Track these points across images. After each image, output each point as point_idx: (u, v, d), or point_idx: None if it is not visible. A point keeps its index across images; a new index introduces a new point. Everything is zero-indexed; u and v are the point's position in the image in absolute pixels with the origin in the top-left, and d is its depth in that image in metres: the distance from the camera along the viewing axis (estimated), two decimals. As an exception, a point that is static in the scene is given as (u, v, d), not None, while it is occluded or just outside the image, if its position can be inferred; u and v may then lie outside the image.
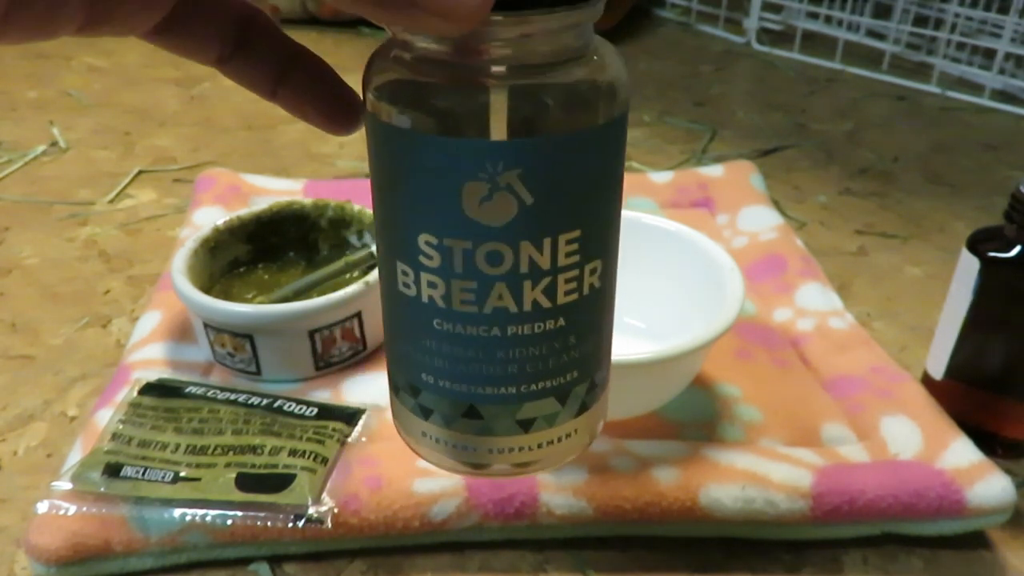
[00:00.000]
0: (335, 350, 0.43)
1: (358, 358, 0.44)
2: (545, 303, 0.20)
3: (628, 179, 0.64)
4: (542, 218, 0.19)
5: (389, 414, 0.40)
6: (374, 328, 0.44)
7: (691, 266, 0.43)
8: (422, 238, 0.20)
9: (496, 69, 0.19)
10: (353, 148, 0.74)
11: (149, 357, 0.43)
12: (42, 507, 0.34)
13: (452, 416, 0.22)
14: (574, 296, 0.21)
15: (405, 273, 0.21)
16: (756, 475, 0.35)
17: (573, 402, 0.22)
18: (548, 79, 0.19)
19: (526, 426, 0.22)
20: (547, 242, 0.20)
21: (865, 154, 0.75)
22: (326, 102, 0.23)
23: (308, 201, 0.49)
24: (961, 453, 0.36)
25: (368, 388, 0.42)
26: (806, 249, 0.54)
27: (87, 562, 0.33)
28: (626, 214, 0.45)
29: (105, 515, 0.34)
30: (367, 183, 0.63)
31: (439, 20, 0.17)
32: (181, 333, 0.45)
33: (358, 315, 0.43)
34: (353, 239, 0.49)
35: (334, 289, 0.42)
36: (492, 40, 0.18)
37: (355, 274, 0.45)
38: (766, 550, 0.35)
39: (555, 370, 0.21)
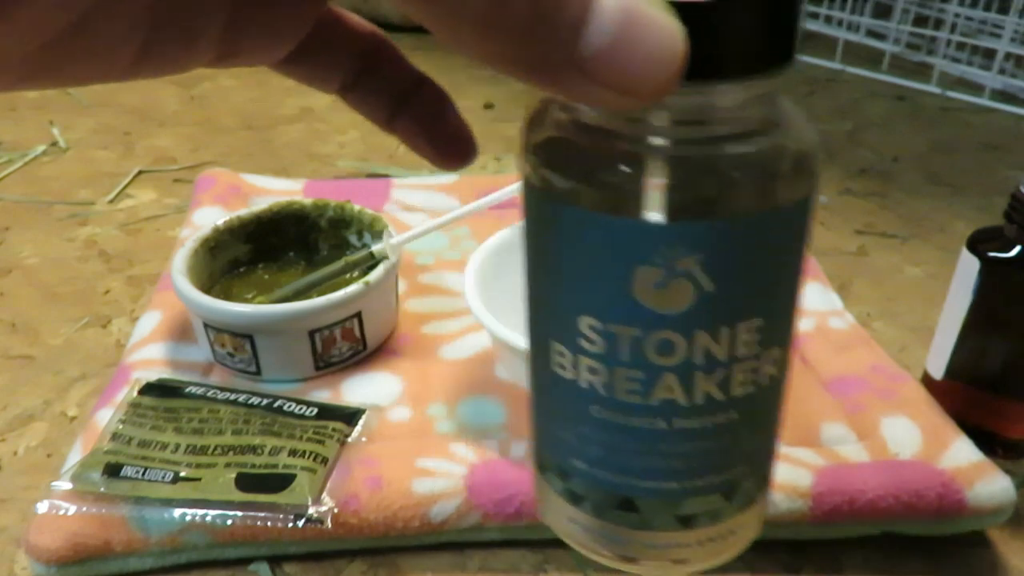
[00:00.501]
0: (335, 350, 0.43)
1: (358, 358, 0.44)
2: (718, 395, 0.19)
3: None
4: (722, 306, 0.17)
5: (389, 414, 0.41)
6: (374, 328, 0.44)
7: None
8: (584, 321, 0.18)
9: (676, 142, 0.17)
10: (353, 148, 0.75)
11: (149, 357, 0.43)
12: (42, 507, 0.34)
13: (604, 506, 0.20)
14: (750, 388, 0.19)
15: (561, 354, 0.19)
16: None
17: (740, 497, 0.20)
18: (733, 153, 0.17)
19: (687, 522, 0.20)
20: (725, 331, 0.18)
21: (865, 154, 0.75)
22: (440, 136, 0.22)
23: (308, 201, 0.49)
24: (961, 453, 0.36)
25: (368, 388, 0.42)
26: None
27: (87, 562, 0.33)
28: None
29: (105, 515, 0.34)
30: (367, 183, 0.64)
31: (615, 95, 0.14)
32: (181, 333, 0.45)
33: (358, 315, 0.42)
34: (353, 239, 0.49)
35: (334, 289, 0.42)
36: (673, 111, 0.16)
37: (355, 274, 0.45)
38: (766, 550, 0.35)
39: (723, 465, 0.20)
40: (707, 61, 0.15)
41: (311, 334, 0.41)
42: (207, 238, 0.45)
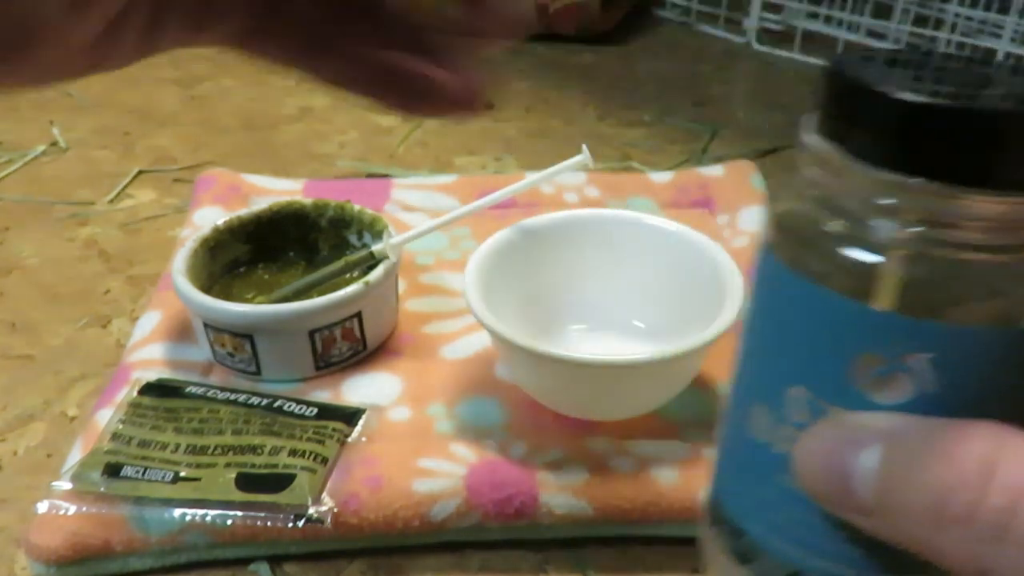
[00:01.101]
0: (335, 350, 0.43)
1: (358, 358, 0.44)
2: None
3: (627, 179, 0.64)
4: (939, 408, 0.17)
5: (389, 414, 0.41)
6: (374, 328, 0.44)
7: (692, 267, 0.43)
8: (794, 390, 0.18)
9: (929, 240, 0.16)
10: (353, 148, 0.75)
11: (149, 357, 0.43)
12: (42, 507, 0.34)
13: (772, 574, 0.20)
14: None
15: (761, 417, 0.19)
16: None
17: None
18: (987, 261, 0.16)
19: None
20: None
21: (865, 154, 0.75)
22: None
23: (308, 201, 0.49)
24: None
25: (368, 388, 0.42)
26: None
27: (87, 562, 0.33)
28: (626, 214, 0.45)
29: (105, 515, 0.34)
30: (367, 183, 0.64)
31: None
32: (181, 333, 0.45)
33: (358, 315, 0.42)
34: (353, 239, 0.49)
35: (334, 289, 0.42)
36: (930, 210, 0.16)
37: (355, 274, 0.45)
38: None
39: (900, 566, 0.18)
40: (977, 167, 0.15)
41: (311, 334, 0.41)
42: (207, 238, 0.45)
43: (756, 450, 0.20)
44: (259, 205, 0.49)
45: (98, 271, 0.55)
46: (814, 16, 1.04)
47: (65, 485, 0.35)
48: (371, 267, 0.44)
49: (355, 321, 0.43)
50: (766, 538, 0.20)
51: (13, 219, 0.61)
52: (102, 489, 0.34)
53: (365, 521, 0.34)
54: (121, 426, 0.37)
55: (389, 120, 0.81)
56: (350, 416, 0.39)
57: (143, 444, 0.36)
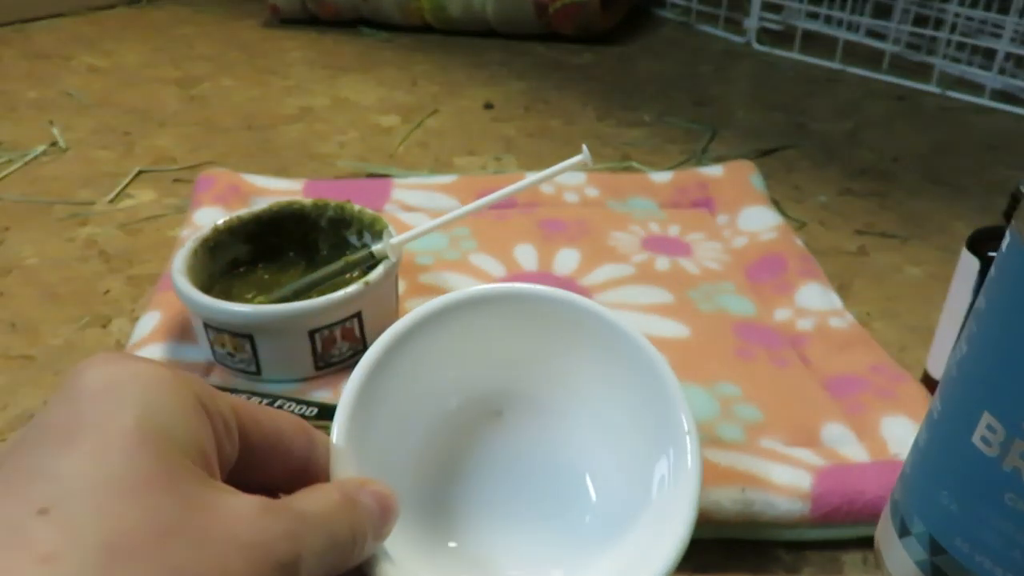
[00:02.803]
0: (335, 350, 0.43)
1: (358, 358, 0.44)
2: None
3: (627, 179, 0.64)
4: None
5: None
6: (374, 328, 0.44)
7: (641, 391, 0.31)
8: None
9: None
10: (353, 148, 0.75)
11: (149, 357, 0.43)
12: None
13: None
14: None
15: (991, 429, 0.18)
16: (756, 477, 0.35)
17: None
18: None
19: None
20: None
21: (865, 154, 0.75)
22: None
23: (308, 201, 0.49)
24: None
25: None
26: (806, 249, 0.54)
27: None
28: (572, 300, 0.32)
29: None
30: (367, 183, 0.64)
31: None
32: (181, 333, 0.45)
33: (358, 315, 0.42)
34: (353, 239, 0.49)
35: (334, 289, 0.42)
36: None
37: (355, 274, 0.45)
38: (766, 550, 0.35)
39: None
40: None
41: (311, 334, 0.41)
42: (207, 238, 0.45)
43: (978, 464, 0.18)
44: (259, 205, 0.49)
45: (98, 271, 0.55)
46: (814, 16, 1.04)
47: None
48: (371, 267, 0.44)
49: (355, 321, 0.43)
50: (972, 557, 0.19)
51: (13, 219, 0.61)
52: None
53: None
54: None
55: (389, 120, 0.81)
56: None
57: None
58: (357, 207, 0.48)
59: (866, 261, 0.57)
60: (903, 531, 0.21)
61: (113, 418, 0.20)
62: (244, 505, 0.20)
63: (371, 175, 0.69)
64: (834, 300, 0.49)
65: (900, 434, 0.38)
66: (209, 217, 0.55)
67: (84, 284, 0.53)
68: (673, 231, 0.58)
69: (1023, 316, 0.17)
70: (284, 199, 0.49)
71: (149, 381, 0.21)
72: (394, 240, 0.44)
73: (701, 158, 0.73)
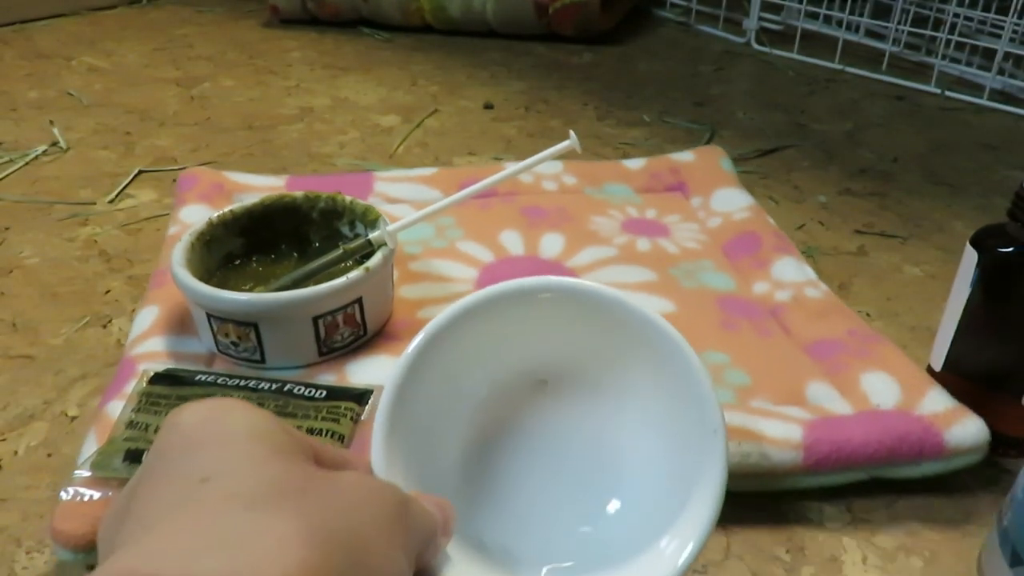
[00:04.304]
0: (337, 335, 0.43)
1: (359, 343, 0.45)
2: None
3: (603, 167, 0.66)
4: None
5: None
6: (373, 313, 0.45)
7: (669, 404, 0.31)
8: None
9: None
10: (353, 148, 0.75)
11: (152, 350, 0.44)
12: (65, 495, 0.34)
13: None
14: None
15: None
16: (751, 432, 0.37)
17: None
18: None
19: None
20: None
21: (865, 154, 0.75)
22: None
23: (299, 193, 0.49)
24: (937, 400, 0.39)
25: (371, 370, 0.43)
26: (777, 227, 0.57)
27: None
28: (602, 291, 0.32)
29: None
30: (350, 177, 0.64)
31: None
32: (180, 327, 0.45)
33: (359, 300, 0.43)
34: (345, 229, 0.49)
35: (330, 278, 0.42)
36: None
37: (350, 263, 0.45)
38: (766, 550, 0.35)
39: None
40: None
41: (315, 320, 0.42)
42: (202, 232, 0.46)
43: None
44: (251, 199, 0.49)
45: (98, 271, 0.55)
46: (813, 16, 1.04)
47: (85, 473, 0.35)
48: (367, 255, 0.44)
49: (356, 307, 0.43)
50: None
51: (13, 219, 0.61)
52: (125, 475, 0.34)
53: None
54: (135, 415, 0.37)
55: (389, 120, 0.81)
56: (359, 396, 0.39)
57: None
58: (348, 198, 0.49)
59: (866, 261, 0.57)
60: (1015, 561, 0.21)
61: (224, 430, 0.22)
62: (353, 471, 0.24)
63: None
64: (808, 272, 0.51)
65: (879, 387, 0.40)
66: (195, 214, 0.55)
67: (84, 284, 0.53)
68: (650, 214, 0.60)
69: None
70: (275, 193, 0.49)
71: (238, 406, 0.23)
72: (391, 227, 0.45)
73: (701, 158, 0.73)
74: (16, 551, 0.35)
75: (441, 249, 0.54)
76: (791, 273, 0.51)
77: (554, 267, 0.52)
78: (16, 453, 0.40)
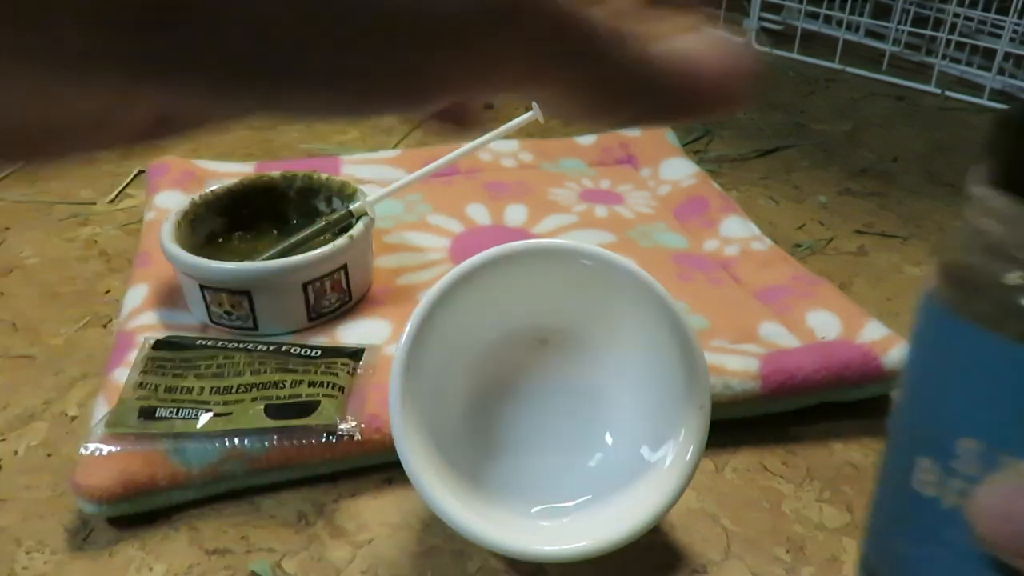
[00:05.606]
0: (325, 300, 0.46)
1: (344, 308, 0.47)
2: None
3: (556, 144, 0.69)
4: None
5: (386, 350, 0.43)
6: (357, 279, 0.48)
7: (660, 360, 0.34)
8: (964, 443, 0.18)
9: None
10: (353, 147, 0.75)
11: (148, 323, 0.45)
12: (85, 450, 0.35)
13: None
14: None
15: (927, 471, 0.19)
16: (713, 366, 0.40)
17: None
18: None
19: None
20: None
21: (865, 154, 0.75)
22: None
23: (277, 173, 0.52)
24: (875, 330, 0.44)
25: (358, 332, 0.46)
26: (723, 191, 0.61)
27: (135, 498, 0.35)
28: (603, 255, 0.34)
29: (148, 452, 0.35)
30: (317, 161, 0.65)
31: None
32: (171, 301, 0.47)
33: (344, 267, 0.46)
34: (322, 206, 0.52)
35: (310, 250, 0.44)
36: None
37: (328, 236, 0.47)
38: (766, 550, 0.35)
39: None
40: None
41: (304, 286, 0.44)
42: (187, 211, 0.48)
43: (922, 505, 0.19)
44: (229, 181, 0.51)
45: (98, 271, 0.55)
46: (813, 16, 1.04)
47: (101, 431, 0.36)
48: (347, 226, 0.47)
49: (342, 273, 0.46)
50: None
51: (13, 219, 0.61)
52: (140, 430, 0.36)
53: (388, 436, 0.35)
54: (143, 376, 0.39)
55: (389, 120, 0.81)
56: (353, 354, 0.41)
57: (169, 390, 0.38)
58: (324, 175, 0.52)
59: (866, 261, 0.57)
60: (869, 573, 0.22)
61: None
62: None
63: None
64: (753, 229, 0.56)
65: (823, 322, 0.45)
66: (170, 200, 0.57)
67: (84, 284, 0.53)
68: (604, 184, 0.64)
69: (940, 367, 0.19)
70: (254, 174, 0.52)
71: None
72: (370, 198, 0.48)
73: (701, 158, 0.73)
74: (16, 551, 0.35)
75: (412, 223, 0.57)
76: (738, 230, 0.56)
77: (520, 234, 0.56)
78: (16, 453, 0.40)
